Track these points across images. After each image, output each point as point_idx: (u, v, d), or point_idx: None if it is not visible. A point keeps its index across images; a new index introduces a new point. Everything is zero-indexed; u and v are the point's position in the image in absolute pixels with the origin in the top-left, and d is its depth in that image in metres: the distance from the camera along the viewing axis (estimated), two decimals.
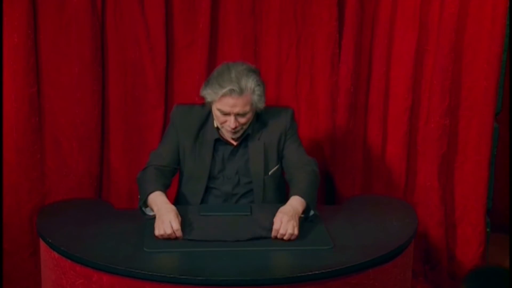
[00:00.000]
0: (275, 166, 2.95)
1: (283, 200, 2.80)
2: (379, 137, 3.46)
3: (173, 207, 2.65)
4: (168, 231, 2.54)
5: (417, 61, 3.37)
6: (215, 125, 2.91)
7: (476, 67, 3.33)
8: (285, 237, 2.56)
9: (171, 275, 2.27)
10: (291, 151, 2.96)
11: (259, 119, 2.96)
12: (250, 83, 2.78)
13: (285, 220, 2.57)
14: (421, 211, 3.41)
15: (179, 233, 2.56)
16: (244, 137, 2.93)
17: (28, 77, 3.24)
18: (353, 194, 3.41)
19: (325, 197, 3.57)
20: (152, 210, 2.72)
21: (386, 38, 3.37)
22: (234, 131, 2.84)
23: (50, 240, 2.52)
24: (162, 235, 2.55)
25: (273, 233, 2.56)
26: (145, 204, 2.76)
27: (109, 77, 3.39)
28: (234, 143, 2.93)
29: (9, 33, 3.19)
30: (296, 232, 2.57)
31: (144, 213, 2.76)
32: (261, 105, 2.85)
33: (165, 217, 2.58)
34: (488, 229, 3.49)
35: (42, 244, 2.62)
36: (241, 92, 2.75)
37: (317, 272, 2.30)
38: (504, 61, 3.32)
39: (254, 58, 3.39)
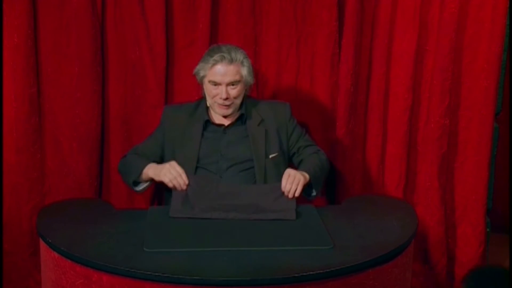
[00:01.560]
0: (276, 153, 3.06)
1: None
2: (379, 137, 3.46)
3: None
4: (174, 172, 2.83)
5: (417, 61, 3.37)
6: (207, 105, 3.04)
7: (476, 67, 3.33)
8: (289, 194, 2.80)
9: (171, 275, 2.27)
10: (299, 143, 3.13)
11: (256, 106, 3.10)
12: (239, 55, 2.99)
13: (292, 176, 2.83)
14: (421, 211, 3.41)
15: (184, 175, 2.83)
16: (239, 118, 3.05)
17: (28, 77, 3.24)
18: (353, 194, 3.41)
19: (325, 197, 3.57)
20: (144, 182, 3.04)
21: (386, 38, 3.37)
22: (226, 104, 2.97)
23: (50, 240, 2.52)
24: (171, 180, 2.83)
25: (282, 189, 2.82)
26: (136, 182, 3.04)
27: (109, 77, 3.39)
28: (226, 124, 3.04)
29: (9, 33, 3.19)
30: (299, 188, 2.82)
31: (135, 190, 3.05)
32: (251, 80, 3.03)
33: (166, 165, 2.89)
34: (488, 229, 3.49)
35: (42, 244, 2.62)
36: (231, 60, 2.95)
37: (317, 272, 2.30)
38: (504, 61, 3.32)
39: (254, 58, 3.39)
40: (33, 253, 3.33)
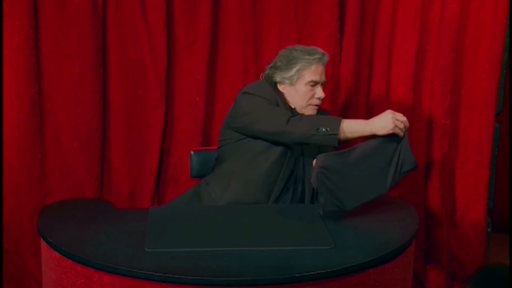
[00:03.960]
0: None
1: None
2: None
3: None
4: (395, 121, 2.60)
5: (418, 61, 3.37)
6: (292, 107, 2.85)
7: (477, 67, 3.34)
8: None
9: (172, 275, 2.27)
10: None
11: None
12: None
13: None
14: (421, 211, 3.41)
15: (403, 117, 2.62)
16: None
17: (29, 77, 3.25)
18: None
19: None
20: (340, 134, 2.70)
21: (387, 38, 3.37)
22: (319, 105, 2.83)
23: (51, 240, 2.52)
24: (401, 127, 2.61)
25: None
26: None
27: (110, 77, 3.39)
28: None
29: (10, 33, 3.20)
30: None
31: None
32: None
33: (383, 116, 2.63)
34: (488, 229, 3.49)
35: (43, 244, 2.62)
36: (324, 60, 2.82)
37: (317, 272, 2.30)
38: (505, 61, 3.32)
39: (255, 58, 3.40)
40: (34, 253, 3.34)
